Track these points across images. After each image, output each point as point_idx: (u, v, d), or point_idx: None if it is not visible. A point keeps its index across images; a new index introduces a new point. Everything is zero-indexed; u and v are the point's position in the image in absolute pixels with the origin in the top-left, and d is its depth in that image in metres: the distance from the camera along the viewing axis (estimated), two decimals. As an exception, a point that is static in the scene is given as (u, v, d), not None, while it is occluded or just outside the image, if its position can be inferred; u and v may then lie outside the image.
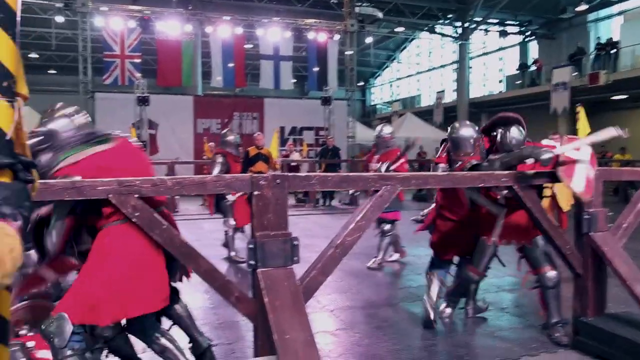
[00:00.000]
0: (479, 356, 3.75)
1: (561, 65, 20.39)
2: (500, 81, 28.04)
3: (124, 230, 2.71)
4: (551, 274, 3.94)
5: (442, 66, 31.76)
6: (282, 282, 2.75)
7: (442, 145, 4.49)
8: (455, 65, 28.14)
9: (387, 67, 37.19)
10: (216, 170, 7.01)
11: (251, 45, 21.34)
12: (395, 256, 6.93)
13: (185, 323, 3.16)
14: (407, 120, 23.43)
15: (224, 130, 7.53)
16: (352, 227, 3.03)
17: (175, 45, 17.92)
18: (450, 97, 27.64)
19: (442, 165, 4.27)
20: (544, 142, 4.11)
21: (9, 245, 1.05)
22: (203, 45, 19.22)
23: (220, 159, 7.11)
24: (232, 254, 7.06)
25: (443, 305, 4.43)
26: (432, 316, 4.23)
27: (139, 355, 3.25)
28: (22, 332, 3.31)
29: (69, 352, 2.65)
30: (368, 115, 36.93)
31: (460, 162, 3.89)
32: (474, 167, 3.71)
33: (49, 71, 29.16)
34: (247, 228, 6.76)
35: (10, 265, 1.03)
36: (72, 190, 2.59)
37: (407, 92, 35.38)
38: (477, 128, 4.10)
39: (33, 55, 27.56)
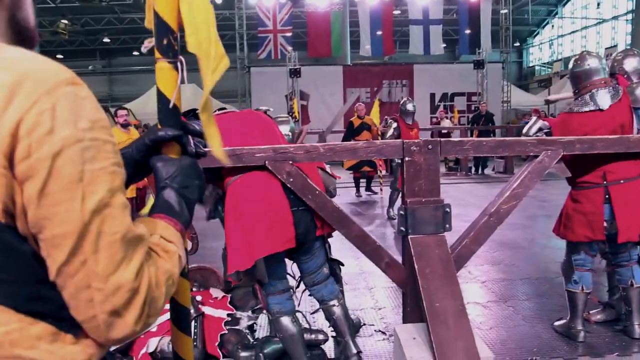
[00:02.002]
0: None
1: None
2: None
3: (238, 185, 2.79)
4: None
5: (614, 18, 28.31)
6: (433, 249, 2.70)
7: None
8: (630, 16, 24.89)
9: (547, 24, 34.11)
10: (388, 134, 7.72)
11: (399, 12, 20.92)
12: None
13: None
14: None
15: (403, 99, 7.97)
16: (508, 194, 2.86)
17: (324, 17, 18.21)
18: (623, 53, 24.58)
19: None
20: None
21: (167, 272, 0.87)
22: (351, 15, 19.26)
23: (394, 125, 7.67)
24: (395, 209, 7.08)
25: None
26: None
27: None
28: (194, 288, 3.69)
29: (276, 315, 2.82)
30: (525, 78, 34.39)
31: None
32: None
33: (211, 50, 31.47)
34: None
35: (162, 303, 0.85)
36: (233, 157, 2.77)
37: (570, 50, 32.22)
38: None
39: (197, 36, 29.96)
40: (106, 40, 28.85)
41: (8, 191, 0.72)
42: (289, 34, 17.96)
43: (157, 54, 1.09)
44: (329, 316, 3.01)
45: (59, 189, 0.73)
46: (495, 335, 3.49)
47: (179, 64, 1.09)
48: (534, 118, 3.84)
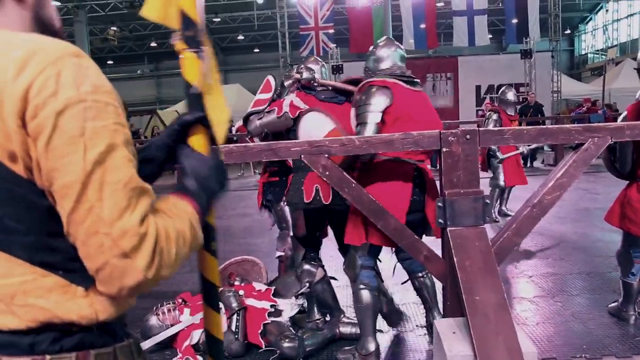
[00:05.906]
0: None
1: None
2: None
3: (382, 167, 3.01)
4: None
5: (673, 0, 26.83)
6: (472, 241, 2.63)
7: None
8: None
9: (601, 8, 32.64)
10: (489, 127, 6.90)
11: (442, 3, 20.55)
12: None
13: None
14: (626, 67, 20.42)
15: (503, 88, 7.33)
16: (552, 184, 2.75)
17: (366, 12, 18.07)
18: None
19: None
20: None
21: (177, 230, 0.90)
22: (393, 9, 19.03)
23: (494, 117, 6.95)
24: (496, 209, 6.76)
25: None
26: None
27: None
28: (236, 282, 3.73)
29: (361, 286, 3.03)
30: (577, 67, 33.11)
31: None
32: None
33: (254, 50, 31.85)
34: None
35: (173, 257, 0.88)
36: (268, 151, 2.78)
37: (626, 35, 30.69)
38: None
39: (240, 37, 30.31)
40: (153, 44, 29.61)
41: (24, 147, 0.83)
42: (330, 31, 17.93)
43: (182, 45, 1.18)
44: (418, 286, 3.29)
45: (63, 143, 0.82)
46: (542, 331, 3.37)
47: (202, 54, 1.18)
48: None
